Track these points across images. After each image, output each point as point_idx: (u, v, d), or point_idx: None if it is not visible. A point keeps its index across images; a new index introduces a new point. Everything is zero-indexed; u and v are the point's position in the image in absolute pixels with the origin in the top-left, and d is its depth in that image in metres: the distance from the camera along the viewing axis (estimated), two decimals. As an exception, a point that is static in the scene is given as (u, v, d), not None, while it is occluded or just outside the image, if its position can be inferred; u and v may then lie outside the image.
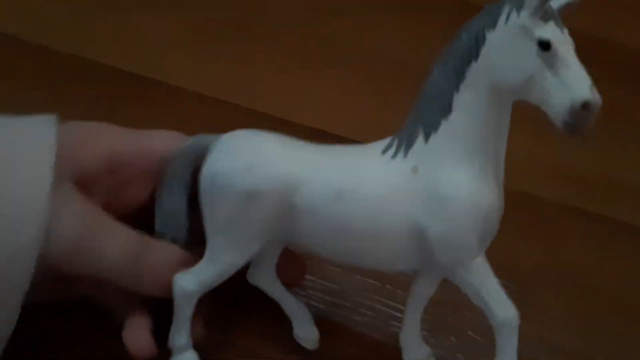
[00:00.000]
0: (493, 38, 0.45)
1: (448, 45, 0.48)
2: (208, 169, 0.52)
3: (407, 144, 0.49)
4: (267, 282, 0.58)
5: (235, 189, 0.50)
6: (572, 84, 0.42)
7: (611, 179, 0.80)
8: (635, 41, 0.97)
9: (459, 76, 0.46)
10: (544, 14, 0.43)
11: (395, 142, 0.50)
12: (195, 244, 0.55)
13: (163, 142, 0.56)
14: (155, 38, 0.93)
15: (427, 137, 0.48)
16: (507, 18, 0.44)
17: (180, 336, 0.55)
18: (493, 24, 0.45)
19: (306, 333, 0.59)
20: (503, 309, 0.49)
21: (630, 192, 0.78)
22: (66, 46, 0.89)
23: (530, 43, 0.43)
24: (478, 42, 0.45)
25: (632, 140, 0.85)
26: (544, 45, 0.43)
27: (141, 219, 0.56)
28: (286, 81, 0.88)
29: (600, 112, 0.42)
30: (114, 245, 0.51)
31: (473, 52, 0.46)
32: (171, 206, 0.55)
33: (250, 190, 0.50)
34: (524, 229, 0.71)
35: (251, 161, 0.50)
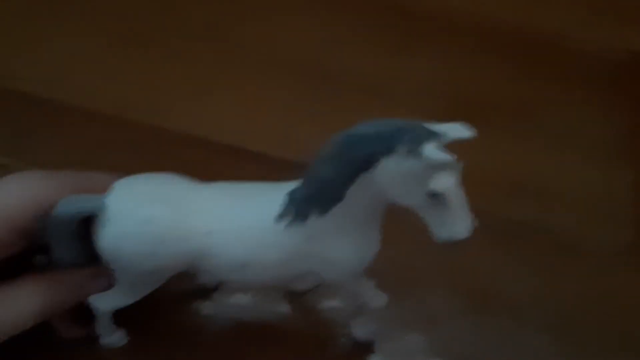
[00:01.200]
0: (387, 164, 0.49)
1: (336, 143, 0.51)
2: (108, 248, 0.54)
3: (302, 218, 0.54)
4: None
5: (142, 269, 0.55)
6: (452, 224, 0.48)
7: (516, 180, 0.82)
8: (547, 29, 0.98)
9: (351, 179, 0.51)
10: (439, 166, 0.47)
11: (291, 214, 0.54)
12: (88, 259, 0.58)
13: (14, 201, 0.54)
14: (67, 59, 0.92)
15: (320, 215, 0.54)
16: (404, 158, 0.48)
17: (105, 334, 0.63)
18: (388, 153, 0.48)
19: None
20: (377, 301, 0.62)
21: (532, 192, 0.81)
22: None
23: (421, 188, 0.48)
24: (371, 161, 0.49)
25: (538, 136, 0.87)
26: (435, 195, 0.48)
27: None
28: (203, 97, 0.89)
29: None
30: None
31: (365, 167, 0.50)
32: (67, 258, 0.57)
33: (156, 268, 0.55)
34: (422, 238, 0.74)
35: (153, 249, 0.54)
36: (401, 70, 0.92)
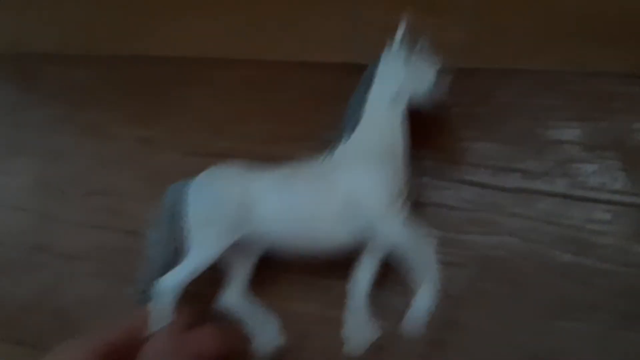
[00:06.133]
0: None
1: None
2: (195, 192, 0.67)
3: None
4: (237, 302, 0.68)
5: (210, 216, 0.65)
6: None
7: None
8: None
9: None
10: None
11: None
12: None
13: None
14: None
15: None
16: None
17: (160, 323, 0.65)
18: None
19: (270, 339, 0.67)
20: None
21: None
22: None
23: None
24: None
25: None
26: None
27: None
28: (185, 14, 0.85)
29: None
30: None
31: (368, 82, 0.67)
32: (164, 247, 0.67)
33: (221, 215, 0.65)
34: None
35: (220, 195, 0.67)
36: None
